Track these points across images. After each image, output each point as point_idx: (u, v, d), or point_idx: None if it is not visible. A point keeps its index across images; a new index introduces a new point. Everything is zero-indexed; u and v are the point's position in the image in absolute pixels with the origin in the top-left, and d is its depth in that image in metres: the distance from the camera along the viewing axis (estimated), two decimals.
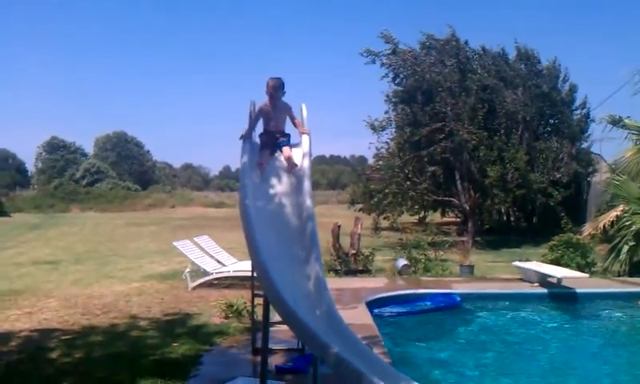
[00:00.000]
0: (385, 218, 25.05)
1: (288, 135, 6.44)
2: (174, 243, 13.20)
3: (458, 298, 11.37)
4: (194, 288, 12.10)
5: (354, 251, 14.64)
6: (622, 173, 16.20)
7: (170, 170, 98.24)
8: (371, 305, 10.58)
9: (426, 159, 23.13)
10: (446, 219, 30.65)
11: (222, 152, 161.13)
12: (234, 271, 12.35)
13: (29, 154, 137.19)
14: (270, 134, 6.34)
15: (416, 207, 25.49)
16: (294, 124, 6.50)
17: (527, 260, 14.34)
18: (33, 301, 11.21)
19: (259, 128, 6.48)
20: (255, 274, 5.79)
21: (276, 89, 6.24)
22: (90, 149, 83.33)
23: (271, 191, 6.14)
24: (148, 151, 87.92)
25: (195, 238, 13.80)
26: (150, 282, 13.34)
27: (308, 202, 5.91)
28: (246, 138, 6.29)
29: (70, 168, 72.39)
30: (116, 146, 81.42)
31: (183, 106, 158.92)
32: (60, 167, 74.73)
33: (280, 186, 6.19)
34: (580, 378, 7.98)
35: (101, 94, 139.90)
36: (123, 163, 79.21)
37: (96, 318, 9.65)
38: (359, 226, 15.21)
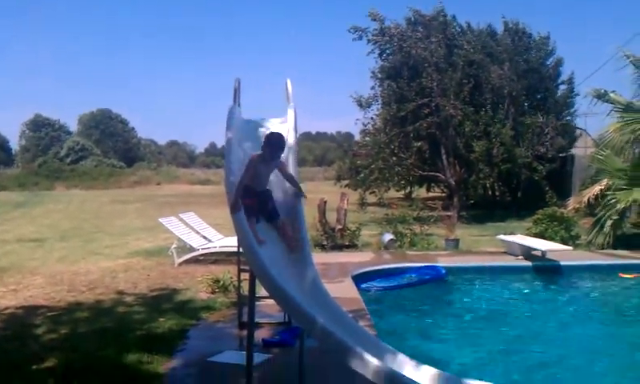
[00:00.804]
0: (371, 194, 25.11)
1: (270, 192, 5.61)
2: (160, 220, 13.18)
3: (443, 271, 11.46)
4: (181, 264, 12.10)
5: (340, 226, 14.70)
6: (606, 147, 16.30)
7: (156, 147, 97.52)
8: (357, 279, 10.67)
9: (411, 135, 23.13)
10: (431, 194, 30.77)
11: (208, 129, 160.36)
12: (220, 247, 12.38)
13: (12, 132, 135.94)
14: (253, 194, 5.39)
15: (402, 182, 25.56)
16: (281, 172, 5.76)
17: (512, 234, 14.47)
18: (18, 278, 11.16)
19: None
20: (241, 249, 5.80)
21: (279, 148, 5.50)
22: (74, 127, 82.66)
23: None
24: (133, 128, 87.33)
25: (181, 215, 13.78)
26: (136, 258, 13.32)
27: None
28: (236, 205, 5.11)
29: (55, 146, 71.75)
30: (100, 123, 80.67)
31: (169, 83, 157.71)
32: (44, 145, 74.14)
33: None
34: (562, 347, 8.11)
35: (85, 71, 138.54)
36: (108, 141, 78.56)
37: (82, 295, 9.63)
38: (345, 201, 15.25)
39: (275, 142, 5.45)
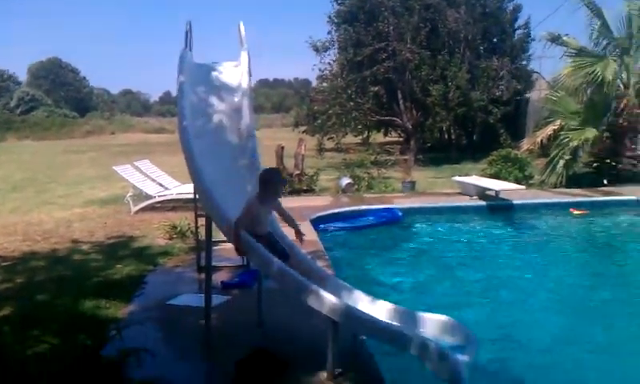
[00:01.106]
0: (329, 140, 25.16)
1: (274, 234, 5.13)
2: (115, 168, 13.02)
3: (400, 213, 11.63)
4: (137, 212, 11.99)
5: (297, 172, 14.72)
6: (559, 90, 16.58)
7: (109, 97, 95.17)
8: (315, 222, 10.76)
9: (368, 79, 23.15)
10: (389, 139, 30.91)
11: (162, 77, 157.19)
12: (177, 194, 12.31)
13: None
14: (259, 238, 4.82)
15: (359, 127, 25.63)
16: (280, 214, 5.25)
17: (467, 175, 14.70)
18: None
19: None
20: (197, 195, 5.78)
21: (278, 182, 5.09)
22: (23, 76, 79.95)
23: (210, 110, 6.06)
24: (84, 77, 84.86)
25: (136, 163, 13.59)
26: (92, 207, 13.14)
27: (248, 120, 5.87)
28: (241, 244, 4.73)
29: (4, 96, 69.44)
30: (50, 72, 78.10)
31: (121, 30, 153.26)
32: None
33: (220, 104, 6.11)
34: (515, 279, 8.43)
35: (33, 17, 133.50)
36: (59, 90, 76.15)
37: (37, 244, 9.49)
38: (303, 146, 15.25)
39: (272, 178, 4.97)
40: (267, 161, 13.12)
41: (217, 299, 6.03)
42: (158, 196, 12.27)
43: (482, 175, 14.69)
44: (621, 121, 15.64)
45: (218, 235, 5.69)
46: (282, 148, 14.85)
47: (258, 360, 4.53)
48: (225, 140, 5.89)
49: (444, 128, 24.83)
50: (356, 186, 14.65)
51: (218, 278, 6.90)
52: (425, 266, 9.21)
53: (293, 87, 67.07)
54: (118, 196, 13.79)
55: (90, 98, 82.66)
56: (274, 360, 4.54)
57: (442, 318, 4.62)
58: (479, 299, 7.56)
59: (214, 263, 6.53)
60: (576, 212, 12.38)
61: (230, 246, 5.68)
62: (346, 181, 14.63)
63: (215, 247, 7.50)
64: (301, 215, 11.03)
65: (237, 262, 7.46)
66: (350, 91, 23.16)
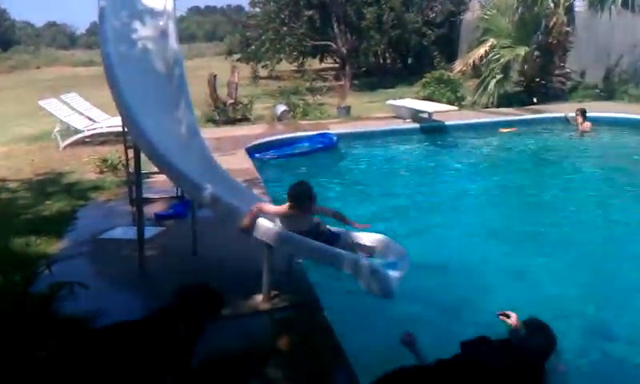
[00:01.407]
0: (263, 67, 24.79)
1: (318, 225, 4.67)
2: (40, 102, 12.50)
3: (335, 138, 11.61)
4: (66, 147, 11.60)
5: (231, 101, 14.46)
6: (491, 9, 16.68)
7: (32, 30, 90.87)
8: (251, 151, 10.68)
9: (302, 3, 22.74)
10: (324, 65, 30.67)
11: (88, 8, 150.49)
12: (106, 127, 11.91)
13: None
14: (301, 233, 4.49)
15: (294, 54, 25.32)
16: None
17: (401, 99, 14.79)
18: None
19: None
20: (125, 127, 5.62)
21: (306, 198, 4.49)
22: None
23: (134, 36, 5.81)
24: (5, 10, 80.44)
25: (63, 96, 13.08)
26: (19, 144, 12.63)
27: (174, 45, 5.68)
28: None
29: None
30: None
31: None
32: None
33: (144, 29, 5.86)
34: (446, 196, 8.70)
35: None
36: None
37: None
38: (236, 74, 14.95)
39: (298, 193, 4.49)
40: (199, 91, 12.87)
41: (151, 231, 5.99)
42: (87, 130, 11.88)
43: (415, 98, 14.81)
44: (550, 39, 15.88)
45: (150, 167, 5.59)
46: (215, 77, 14.53)
47: (196, 294, 4.31)
48: (151, 67, 5.68)
49: (379, 52, 24.73)
50: (291, 114, 14.53)
51: (152, 209, 6.81)
52: (359, 188, 9.33)
53: (225, 14, 65.36)
54: (46, 132, 13.26)
55: (12, 32, 78.73)
56: (213, 295, 4.35)
57: (376, 236, 4.71)
58: (410, 218, 7.75)
59: (147, 195, 6.47)
60: (504, 130, 12.69)
61: (162, 177, 5.61)
62: (281, 108, 14.48)
63: (148, 179, 7.43)
64: (236, 144, 10.97)
65: (170, 194, 7.37)
66: (283, 16, 22.75)
